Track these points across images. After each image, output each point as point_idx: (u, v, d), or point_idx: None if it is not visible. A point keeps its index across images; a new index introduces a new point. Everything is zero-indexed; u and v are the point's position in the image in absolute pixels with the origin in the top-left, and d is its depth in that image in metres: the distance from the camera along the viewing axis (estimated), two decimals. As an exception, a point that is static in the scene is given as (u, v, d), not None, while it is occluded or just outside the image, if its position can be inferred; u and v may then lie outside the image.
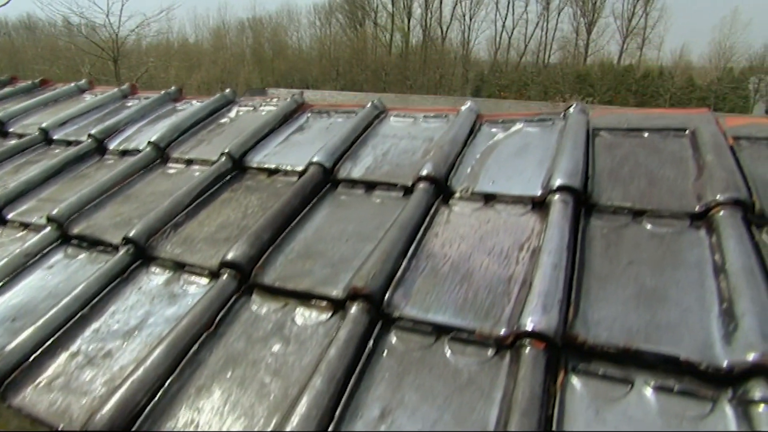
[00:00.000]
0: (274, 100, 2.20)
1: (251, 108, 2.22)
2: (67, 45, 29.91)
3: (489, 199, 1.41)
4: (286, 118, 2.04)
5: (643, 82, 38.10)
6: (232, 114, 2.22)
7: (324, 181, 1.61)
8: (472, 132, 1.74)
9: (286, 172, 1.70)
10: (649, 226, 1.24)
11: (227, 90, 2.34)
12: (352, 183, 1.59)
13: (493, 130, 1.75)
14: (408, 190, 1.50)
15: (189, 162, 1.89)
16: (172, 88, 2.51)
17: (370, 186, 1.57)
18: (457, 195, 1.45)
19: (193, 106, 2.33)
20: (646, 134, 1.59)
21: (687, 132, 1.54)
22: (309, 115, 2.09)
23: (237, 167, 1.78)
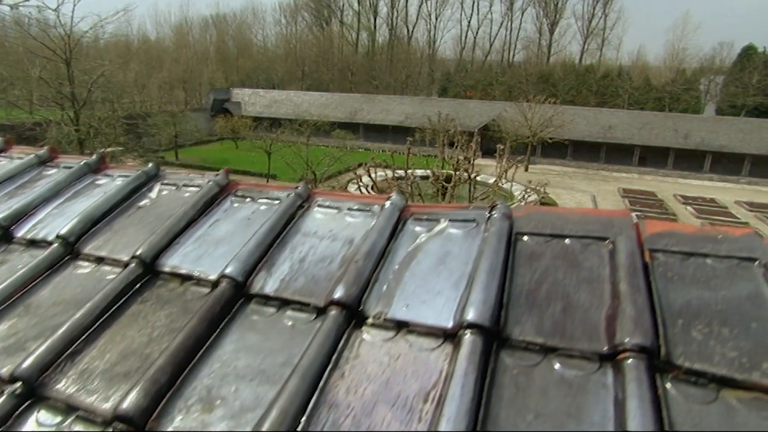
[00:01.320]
0: (198, 180, 2.10)
1: (174, 187, 2.11)
2: (15, 45, 28.51)
3: (402, 326, 1.36)
4: (207, 206, 1.94)
5: (603, 82, 39.05)
6: (153, 194, 2.10)
7: (236, 296, 1.53)
8: (395, 233, 1.69)
9: (198, 281, 1.61)
10: (557, 366, 1.21)
11: (150, 164, 2.22)
12: (265, 299, 1.52)
13: (417, 229, 1.70)
14: (321, 311, 1.44)
15: (100, 260, 1.78)
16: (93, 156, 2.37)
17: (283, 303, 1.50)
18: (370, 321, 1.39)
19: (114, 181, 2.21)
20: (567, 241, 1.57)
21: (607, 242, 1.53)
22: (232, 199, 2.00)
23: (149, 271, 1.68)
